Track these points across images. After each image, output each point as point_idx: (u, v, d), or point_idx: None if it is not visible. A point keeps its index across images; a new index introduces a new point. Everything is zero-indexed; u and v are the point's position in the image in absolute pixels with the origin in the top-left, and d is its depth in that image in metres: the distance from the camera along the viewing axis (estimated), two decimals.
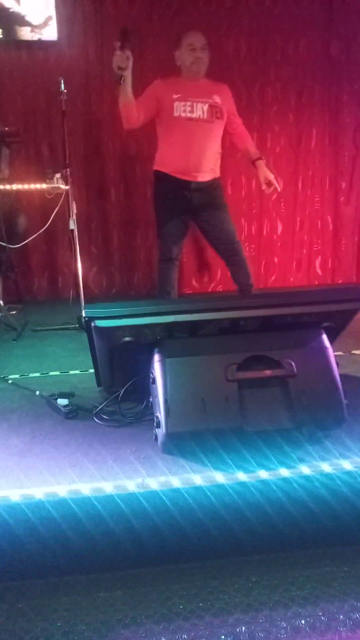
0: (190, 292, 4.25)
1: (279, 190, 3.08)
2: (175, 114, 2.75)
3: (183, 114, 2.75)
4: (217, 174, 2.94)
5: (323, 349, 1.76)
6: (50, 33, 3.71)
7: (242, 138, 2.99)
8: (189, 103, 2.75)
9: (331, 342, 1.86)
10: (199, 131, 2.78)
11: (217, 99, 2.81)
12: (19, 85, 3.81)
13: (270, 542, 1.61)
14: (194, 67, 2.78)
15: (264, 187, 2.97)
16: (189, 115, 2.76)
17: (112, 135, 3.96)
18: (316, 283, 4.38)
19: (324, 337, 1.79)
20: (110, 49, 3.79)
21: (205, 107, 2.76)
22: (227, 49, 3.92)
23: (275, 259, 4.30)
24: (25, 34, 3.70)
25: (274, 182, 2.91)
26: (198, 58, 2.76)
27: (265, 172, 2.92)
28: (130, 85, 2.67)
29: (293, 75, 4.02)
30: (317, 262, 4.38)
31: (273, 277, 4.33)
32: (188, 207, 2.87)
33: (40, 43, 3.74)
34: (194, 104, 2.76)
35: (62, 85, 3.15)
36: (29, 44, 3.74)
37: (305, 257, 4.35)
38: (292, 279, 4.36)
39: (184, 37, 2.81)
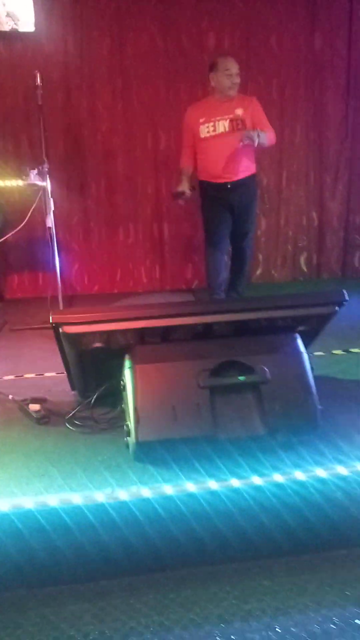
0: (177, 288, 4.21)
1: (245, 140, 3.05)
2: (202, 136, 3.15)
3: (208, 134, 3.14)
4: (252, 170, 3.27)
5: (298, 353, 1.73)
6: (27, 24, 3.61)
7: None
8: (211, 123, 3.12)
9: (307, 346, 1.83)
10: (223, 143, 3.12)
11: (239, 112, 3.11)
12: None
13: (242, 550, 1.59)
14: (230, 91, 3.11)
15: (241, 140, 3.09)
16: (212, 134, 3.13)
17: (92, 130, 3.89)
18: (301, 279, 4.35)
19: (299, 341, 1.76)
20: (90, 43, 3.74)
21: (227, 123, 3.11)
22: (208, 42, 3.85)
23: (260, 255, 4.26)
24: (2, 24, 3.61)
25: (246, 135, 3.00)
26: (235, 84, 3.09)
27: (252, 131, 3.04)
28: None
29: (276, 69, 3.96)
30: (302, 258, 4.35)
31: (258, 272, 4.30)
32: (228, 204, 3.23)
33: (17, 34, 3.64)
34: (216, 122, 3.11)
35: (38, 79, 3.07)
36: (5, 35, 3.64)
37: (290, 253, 4.32)
38: (276, 274, 4.33)
39: (221, 61, 3.09)
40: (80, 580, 1.52)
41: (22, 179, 3.08)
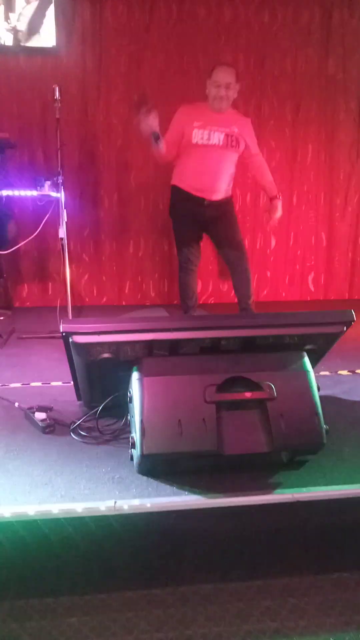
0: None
1: (271, 225, 3.30)
2: (194, 141, 2.95)
3: (200, 141, 2.94)
4: (229, 193, 3.14)
5: (304, 372, 1.73)
6: (48, 39, 3.70)
7: (260, 172, 3.18)
8: (207, 131, 2.94)
9: (314, 365, 1.84)
10: (214, 156, 2.97)
11: (235, 129, 2.98)
12: (15, 91, 3.79)
13: (243, 569, 1.58)
14: (215, 103, 2.93)
15: (268, 223, 3.26)
16: (205, 142, 2.95)
17: (107, 144, 3.95)
18: (308, 298, 4.37)
19: (306, 360, 1.77)
20: (108, 59, 3.83)
21: (222, 136, 2.95)
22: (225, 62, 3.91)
23: (268, 273, 4.28)
24: (23, 39, 3.70)
25: (272, 220, 3.16)
26: (220, 96, 2.90)
27: (274, 211, 3.12)
28: (162, 140, 2.89)
29: (290, 91, 4.02)
30: (310, 278, 4.36)
31: (265, 291, 4.31)
32: (201, 220, 3.08)
33: (38, 49, 3.73)
34: (212, 132, 2.94)
35: (57, 93, 3.13)
36: (27, 50, 3.73)
37: (298, 272, 4.34)
38: (284, 293, 4.34)
39: (214, 71, 2.93)
40: (79, 592, 1.51)
41: (37, 190, 3.12)
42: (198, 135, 2.93)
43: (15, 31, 3.70)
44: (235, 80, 2.93)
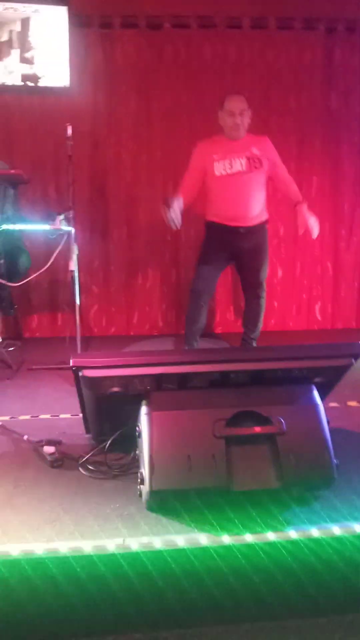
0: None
1: (313, 237, 3.20)
2: (217, 174, 2.96)
3: (223, 172, 2.96)
4: (265, 217, 3.15)
5: (314, 405, 1.73)
6: (61, 79, 3.85)
7: (284, 183, 3.18)
8: (227, 161, 2.96)
9: (323, 397, 1.83)
10: (240, 182, 2.98)
11: (255, 151, 3.00)
12: (29, 129, 3.93)
13: (255, 609, 1.54)
14: (233, 132, 2.97)
15: (300, 231, 3.15)
16: (228, 172, 2.96)
17: (116, 179, 4.05)
18: (315, 328, 4.36)
19: (315, 393, 1.76)
20: (118, 98, 3.97)
21: (244, 161, 2.97)
22: None
23: (275, 303, 4.30)
24: (38, 79, 3.85)
25: (311, 227, 3.05)
26: (236, 124, 2.93)
27: (303, 217, 3.05)
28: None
29: (294, 126, 4.12)
30: (317, 307, 4.37)
31: (272, 321, 4.32)
32: (234, 250, 3.08)
33: (51, 89, 3.88)
34: (232, 160, 2.96)
35: (69, 132, 3.23)
36: (41, 90, 3.88)
37: (305, 302, 4.35)
38: (291, 323, 4.35)
39: (226, 101, 2.96)
40: (85, 634, 1.48)
41: (50, 224, 3.20)
42: (220, 167, 2.95)
43: (30, 72, 3.86)
44: (247, 107, 2.99)
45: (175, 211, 2.84)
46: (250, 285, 3.18)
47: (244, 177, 2.97)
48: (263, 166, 3.01)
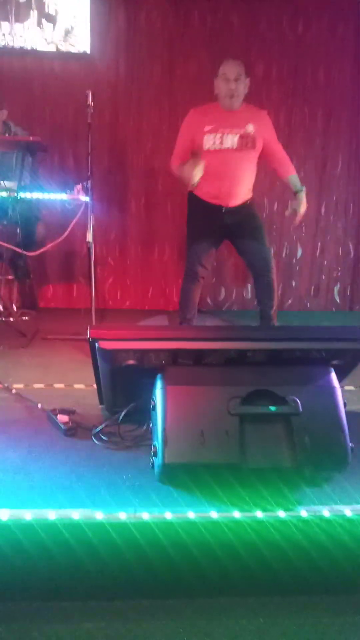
0: (205, 309, 4.21)
1: (296, 224, 3.13)
2: (205, 148, 2.78)
3: (212, 147, 2.78)
4: (250, 195, 2.95)
5: (331, 388, 1.70)
6: (82, 45, 3.75)
7: (282, 166, 2.97)
8: (219, 135, 2.77)
9: (340, 380, 1.81)
10: (230, 160, 2.80)
11: (250, 128, 2.80)
12: (49, 95, 3.86)
13: (264, 584, 1.56)
14: (226, 100, 2.77)
15: (287, 213, 3.02)
16: (218, 147, 2.78)
17: (136, 150, 3.98)
18: (333, 309, 4.31)
19: (333, 375, 1.74)
20: (141, 65, 3.86)
21: (236, 138, 2.78)
22: (257, 70, 3.92)
23: (293, 283, 4.25)
24: (59, 43, 3.76)
25: (300, 215, 2.93)
26: (230, 90, 2.73)
27: (297, 204, 2.91)
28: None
29: (322, 101, 4.00)
30: (336, 289, 4.31)
31: (290, 301, 4.28)
32: (221, 229, 2.91)
33: (72, 55, 3.79)
34: (224, 135, 2.77)
35: (90, 99, 3.16)
36: (62, 55, 3.79)
37: (324, 283, 4.29)
38: (309, 304, 4.30)
39: (221, 66, 2.77)
40: (95, 598, 1.51)
41: (67, 193, 3.16)
42: (210, 141, 2.77)
43: (49, 36, 3.77)
44: (244, 73, 2.76)
45: (189, 167, 2.70)
46: (252, 258, 2.95)
47: (234, 155, 2.79)
48: (256, 147, 2.83)
